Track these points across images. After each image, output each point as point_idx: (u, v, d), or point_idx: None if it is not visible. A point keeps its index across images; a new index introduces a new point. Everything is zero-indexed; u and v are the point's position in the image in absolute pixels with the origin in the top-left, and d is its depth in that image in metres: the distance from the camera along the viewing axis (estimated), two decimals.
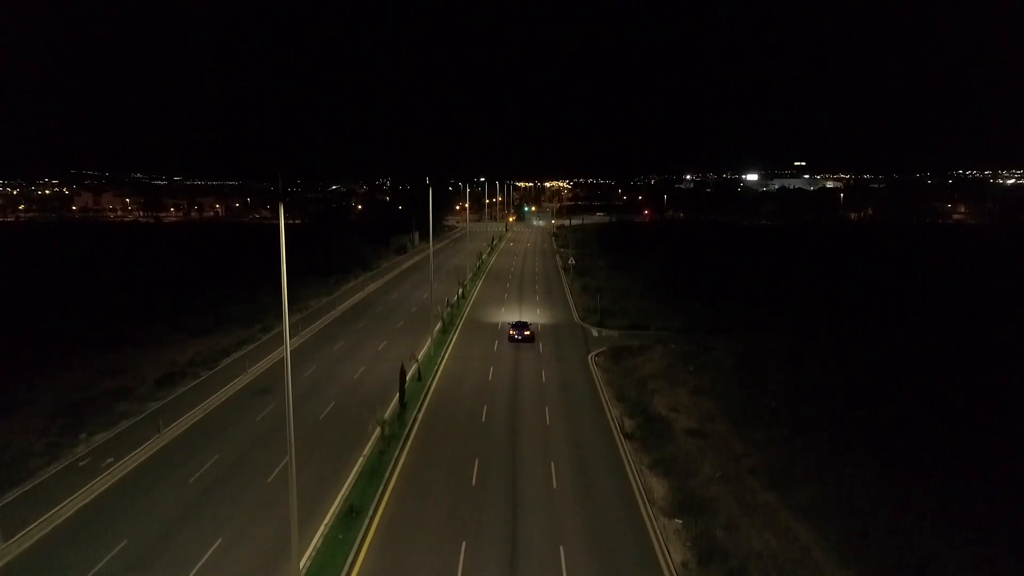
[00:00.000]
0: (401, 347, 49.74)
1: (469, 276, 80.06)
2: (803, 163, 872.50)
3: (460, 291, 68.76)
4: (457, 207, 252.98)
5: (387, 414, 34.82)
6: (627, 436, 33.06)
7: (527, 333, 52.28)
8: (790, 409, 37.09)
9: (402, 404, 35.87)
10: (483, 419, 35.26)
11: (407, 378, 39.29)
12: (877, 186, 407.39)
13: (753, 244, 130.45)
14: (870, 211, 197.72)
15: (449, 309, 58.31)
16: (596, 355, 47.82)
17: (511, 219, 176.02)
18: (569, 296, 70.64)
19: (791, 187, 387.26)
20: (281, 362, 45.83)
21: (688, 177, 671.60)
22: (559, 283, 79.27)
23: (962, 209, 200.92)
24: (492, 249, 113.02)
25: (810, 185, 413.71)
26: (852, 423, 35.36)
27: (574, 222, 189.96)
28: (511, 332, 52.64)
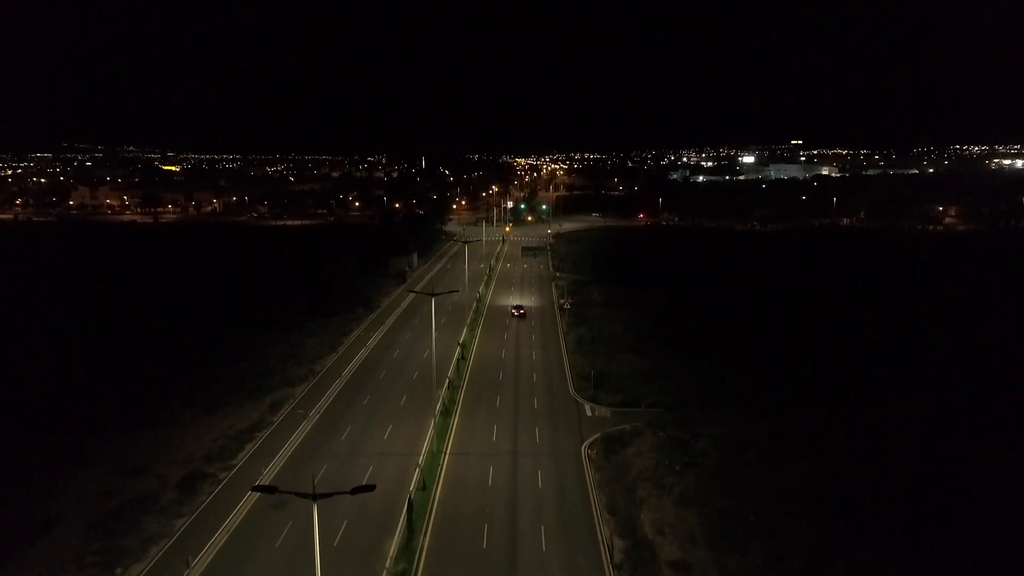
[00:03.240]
0: (406, 432, 52.97)
1: (467, 325, 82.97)
2: (800, 141, 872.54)
3: (460, 351, 71.80)
4: (454, 206, 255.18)
5: (395, 546, 37.79)
6: (616, 567, 36.23)
7: (522, 312, 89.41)
8: (769, 523, 40.29)
9: (410, 530, 38.92)
10: (484, 545, 38.37)
11: (412, 486, 43.01)
12: (874, 172, 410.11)
13: (746, 259, 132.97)
14: (862, 214, 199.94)
15: (448, 391, 60.96)
16: (589, 446, 50.89)
17: (508, 228, 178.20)
18: (565, 354, 73.36)
19: (786, 177, 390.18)
20: (294, 459, 48.99)
21: (685, 160, 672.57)
22: (555, 333, 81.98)
23: (953, 212, 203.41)
24: (489, 276, 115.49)
25: (805, 172, 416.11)
26: (828, 542, 38.46)
27: (569, 226, 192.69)
28: (512, 311, 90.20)
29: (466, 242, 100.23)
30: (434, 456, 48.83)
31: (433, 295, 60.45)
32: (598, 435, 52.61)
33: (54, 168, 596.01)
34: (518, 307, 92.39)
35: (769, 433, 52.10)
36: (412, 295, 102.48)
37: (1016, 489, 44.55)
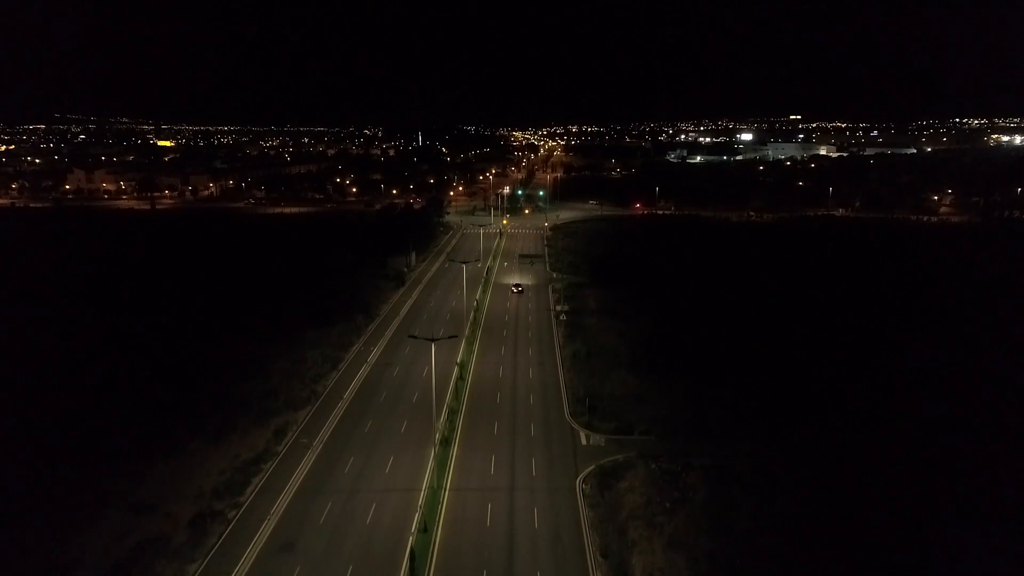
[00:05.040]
0: (407, 464, 54.96)
1: (465, 338, 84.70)
2: (798, 116, 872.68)
3: (458, 371, 73.54)
4: (452, 192, 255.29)
5: None
6: None
7: (520, 289, 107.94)
8: (753, 568, 42.45)
9: None
10: None
11: (413, 527, 45.25)
12: (872, 151, 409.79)
13: (741, 255, 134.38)
14: (858, 204, 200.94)
15: (447, 418, 62.72)
16: (583, 480, 52.87)
17: (505, 221, 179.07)
18: (560, 371, 75.17)
19: (784, 156, 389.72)
20: (300, 495, 50.91)
21: (683, 137, 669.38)
22: (551, 346, 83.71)
23: (947, 202, 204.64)
24: (486, 280, 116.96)
25: (803, 151, 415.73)
26: None
27: (566, 215, 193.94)
28: (512, 288, 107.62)
29: (464, 263, 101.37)
30: (434, 492, 50.73)
31: (432, 340, 61.68)
32: (592, 467, 54.58)
33: (48, 143, 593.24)
34: (517, 285, 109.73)
35: (756, 466, 54.05)
36: (410, 302, 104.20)
37: (1015, 507, 46.83)
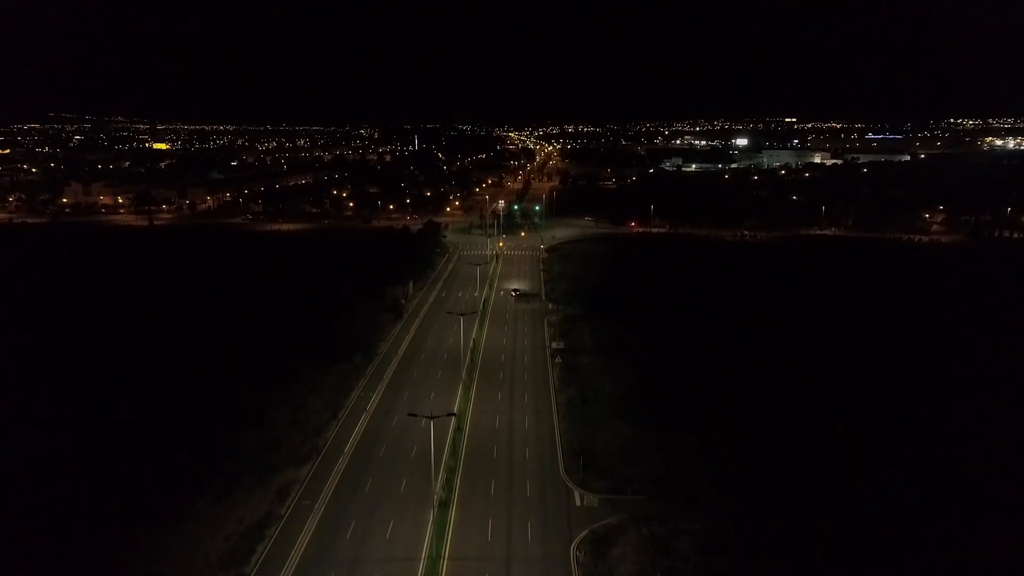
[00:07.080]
0: (406, 530, 56.51)
1: (462, 382, 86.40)
2: (793, 119, 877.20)
3: (455, 422, 75.24)
4: (448, 207, 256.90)
5: None
6: None
7: (518, 292, 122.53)
8: None
9: None
10: None
11: None
12: (866, 158, 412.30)
13: (735, 280, 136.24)
14: (850, 223, 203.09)
15: (445, 480, 64.44)
16: (577, 547, 54.64)
17: (501, 244, 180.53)
18: (555, 421, 76.92)
19: (778, 164, 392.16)
20: (303, 566, 52.55)
21: (678, 142, 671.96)
22: (547, 391, 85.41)
23: (939, 220, 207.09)
24: (483, 313, 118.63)
25: (798, 158, 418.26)
26: None
27: (562, 234, 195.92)
28: (512, 293, 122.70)
29: (462, 315, 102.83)
30: (433, 561, 52.42)
31: (431, 418, 63.48)
32: (586, 532, 56.33)
33: (43, 147, 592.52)
34: (516, 289, 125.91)
35: (746, 531, 55.87)
36: (408, 338, 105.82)
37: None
